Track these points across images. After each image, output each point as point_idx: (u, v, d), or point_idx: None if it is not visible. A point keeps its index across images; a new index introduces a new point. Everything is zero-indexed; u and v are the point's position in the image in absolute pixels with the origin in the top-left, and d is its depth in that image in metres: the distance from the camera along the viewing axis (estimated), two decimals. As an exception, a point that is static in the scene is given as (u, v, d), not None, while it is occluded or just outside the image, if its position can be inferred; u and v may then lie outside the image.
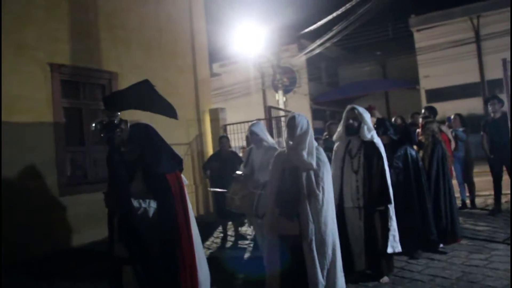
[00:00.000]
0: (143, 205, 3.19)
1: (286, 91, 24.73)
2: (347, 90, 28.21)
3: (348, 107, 5.13)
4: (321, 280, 3.72)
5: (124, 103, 3.46)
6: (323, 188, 3.82)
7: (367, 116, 4.94)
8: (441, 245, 5.92)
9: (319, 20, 17.99)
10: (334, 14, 16.09)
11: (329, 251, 3.80)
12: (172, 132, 10.40)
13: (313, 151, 3.87)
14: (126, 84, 9.08)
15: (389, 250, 4.78)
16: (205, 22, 12.22)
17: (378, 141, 4.92)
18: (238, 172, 5.76)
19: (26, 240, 7.25)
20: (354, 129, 4.94)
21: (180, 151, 10.59)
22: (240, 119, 12.75)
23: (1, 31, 7.31)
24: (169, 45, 10.71)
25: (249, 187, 5.40)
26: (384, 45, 26.13)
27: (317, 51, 20.20)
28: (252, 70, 28.25)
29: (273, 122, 10.68)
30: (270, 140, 5.86)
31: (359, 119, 4.93)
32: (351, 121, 4.97)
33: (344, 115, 5.10)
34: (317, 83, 28.88)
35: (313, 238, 3.73)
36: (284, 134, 4.24)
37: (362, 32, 21.64)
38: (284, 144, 4.10)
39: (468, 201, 8.69)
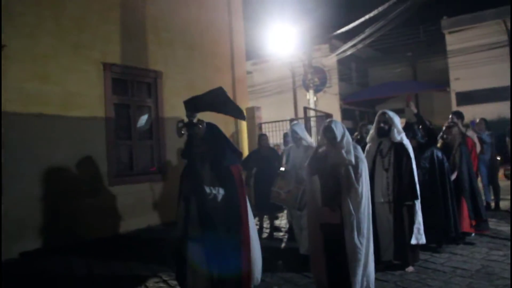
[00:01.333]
0: (213, 191, 3.78)
1: (316, 91, 25.07)
2: (377, 91, 28.42)
3: (380, 111, 5.62)
4: (361, 263, 4.27)
5: (201, 106, 4.07)
6: (362, 182, 4.34)
7: (397, 119, 5.43)
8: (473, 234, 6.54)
9: (351, 21, 18.39)
10: (367, 16, 16.41)
11: (365, 241, 4.34)
12: (210, 129, 11.06)
13: (350, 149, 4.39)
14: (170, 82, 9.95)
15: (413, 241, 5.29)
16: (243, 24, 12.79)
17: (407, 142, 5.42)
18: (282, 169, 6.31)
19: (77, 226, 8.01)
20: (385, 131, 5.45)
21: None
22: (271, 117, 13.31)
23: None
24: (209, 45, 11.33)
25: (293, 182, 5.96)
26: (415, 47, 26.26)
27: (349, 52, 20.55)
28: (284, 69, 28.67)
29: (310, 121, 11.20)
30: (309, 139, 6.39)
31: (390, 123, 5.42)
32: (382, 124, 5.47)
33: (376, 118, 5.59)
34: (347, 83, 29.15)
35: (354, 227, 4.26)
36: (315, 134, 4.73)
37: (393, 34, 21.82)
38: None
39: (492, 203, 9.04)
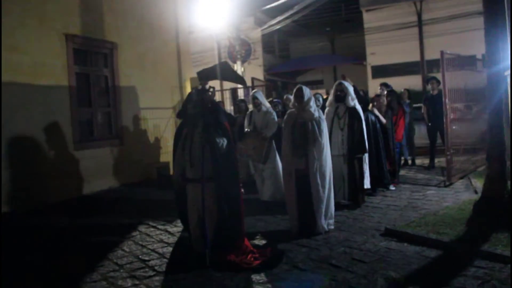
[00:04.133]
0: (221, 141, 4.81)
1: (242, 62, 26.13)
2: (298, 63, 30.14)
3: (336, 82, 6.99)
4: (325, 201, 5.52)
5: (211, 75, 5.04)
6: (323, 136, 5.55)
7: (350, 89, 6.76)
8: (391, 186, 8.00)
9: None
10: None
11: (327, 183, 5.58)
12: (160, 97, 11.95)
13: (315, 110, 5.61)
14: (124, 53, 10.57)
15: (365, 185, 6.78)
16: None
17: (358, 107, 6.80)
18: (246, 129, 7.44)
19: (45, 188, 8.56)
20: (341, 98, 6.78)
21: (165, 114, 12.11)
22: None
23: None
24: (156, 19, 11.96)
25: (258, 140, 7.11)
26: (334, 22, 28.11)
27: (276, 27, 21.78)
28: (208, 42, 29.31)
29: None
30: (267, 104, 7.57)
31: (345, 91, 6.73)
32: (339, 92, 6.79)
33: (333, 87, 6.92)
34: (270, 55, 30.48)
35: (317, 171, 5.48)
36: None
37: (316, 10, 23.25)
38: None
39: (409, 160, 10.79)
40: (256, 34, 27.32)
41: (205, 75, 5.19)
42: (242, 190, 5.65)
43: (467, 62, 9.43)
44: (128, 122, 10.80)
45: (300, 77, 31.88)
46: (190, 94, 5.32)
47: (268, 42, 29.54)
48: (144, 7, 11.51)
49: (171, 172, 11.80)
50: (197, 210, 4.95)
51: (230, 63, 25.03)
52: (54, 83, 8.97)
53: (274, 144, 7.37)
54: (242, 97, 13.75)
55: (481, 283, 3.71)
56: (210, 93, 5.04)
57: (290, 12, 19.32)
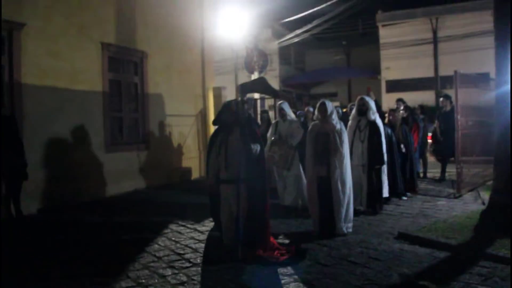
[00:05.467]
0: (254, 146, 5.37)
1: (259, 72, 26.72)
2: (313, 75, 30.69)
3: (358, 97, 7.57)
4: (344, 206, 6.05)
5: (250, 89, 5.63)
6: (344, 146, 6.09)
7: (372, 103, 7.32)
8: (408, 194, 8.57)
9: (295, 7, 20.15)
10: (316, 9, 18.25)
11: (347, 189, 6.11)
12: (184, 105, 12.56)
13: (338, 122, 6.17)
14: (152, 61, 11.20)
15: (385, 194, 7.37)
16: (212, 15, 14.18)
17: (379, 121, 7.39)
18: (273, 138, 8.00)
19: (79, 188, 9.17)
20: (363, 112, 7.34)
21: (189, 121, 12.72)
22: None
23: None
24: (184, 30, 12.60)
25: (284, 148, 7.66)
26: (350, 36, 28.66)
27: (294, 40, 22.42)
28: (224, 51, 29.99)
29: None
30: (292, 115, 8.15)
31: (367, 106, 7.28)
32: (361, 106, 7.37)
33: (356, 102, 7.52)
34: (286, 66, 31.05)
35: (338, 179, 6.02)
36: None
37: (333, 24, 23.82)
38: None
39: (421, 173, 11.27)
40: (273, 45, 27.94)
41: (246, 88, 5.77)
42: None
43: (480, 80, 9.93)
44: (154, 127, 11.41)
45: (314, 89, 32.42)
46: (227, 104, 5.88)
47: (284, 53, 30.12)
48: (174, 19, 12.16)
49: (193, 177, 12.45)
50: (229, 207, 5.50)
51: (247, 73, 25.79)
52: (90, 88, 9.63)
53: (297, 152, 7.93)
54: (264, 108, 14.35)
55: (484, 279, 4.21)
56: (247, 104, 5.61)
57: (309, 26, 19.94)
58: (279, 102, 8.37)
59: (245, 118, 5.58)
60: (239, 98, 5.57)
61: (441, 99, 10.72)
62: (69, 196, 8.90)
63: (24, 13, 8.22)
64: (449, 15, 23.10)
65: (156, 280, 4.62)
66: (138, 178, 10.80)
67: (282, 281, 4.48)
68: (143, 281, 4.61)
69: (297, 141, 7.78)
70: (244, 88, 5.76)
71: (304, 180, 7.50)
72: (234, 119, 5.60)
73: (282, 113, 8.01)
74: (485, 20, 18.97)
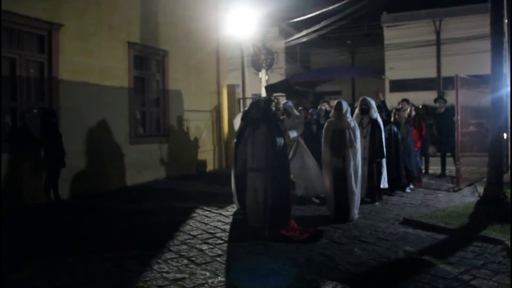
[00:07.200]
0: (279, 140, 6.14)
1: (266, 70, 27.40)
2: (318, 74, 31.39)
3: (360, 97, 8.34)
4: (357, 194, 6.82)
5: (276, 89, 6.41)
6: (357, 141, 6.87)
7: (373, 103, 8.08)
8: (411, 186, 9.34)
9: (303, 7, 20.76)
10: (324, 10, 18.93)
11: (358, 179, 6.89)
12: (200, 101, 13.31)
13: (352, 120, 6.96)
14: (173, 60, 11.96)
15: (382, 185, 8.03)
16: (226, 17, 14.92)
17: (379, 119, 8.12)
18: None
19: (105, 176, 9.92)
20: (365, 110, 8.12)
21: (205, 116, 13.48)
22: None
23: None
24: (201, 31, 13.33)
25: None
26: (355, 36, 29.37)
27: (302, 40, 23.11)
28: (235, 49, 30.64)
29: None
30: (296, 112, 9.16)
31: (369, 105, 8.04)
32: (363, 106, 8.11)
33: (358, 102, 8.30)
34: (292, 65, 31.76)
35: (352, 170, 6.79)
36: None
37: (340, 25, 24.50)
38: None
39: (423, 169, 12.03)
40: (280, 44, 28.62)
41: (272, 88, 6.54)
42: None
43: (481, 83, 10.71)
44: (174, 122, 12.18)
45: (319, 87, 33.11)
46: (255, 102, 6.64)
47: (290, 52, 30.81)
48: (192, 20, 12.91)
49: (208, 169, 13.21)
50: (254, 192, 6.28)
51: (254, 71, 26.52)
52: (117, 84, 10.38)
53: (303, 144, 8.72)
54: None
55: (476, 255, 5.01)
56: (275, 103, 6.37)
57: (317, 26, 20.63)
58: (283, 102, 9.28)
59: (271, 114, 6.34)
60: (267, 97, 6.34)
61: (437, 101, 11.56)
62: (96, 183, 9.61)
63: (62, 15, 8.97)
64: (452, 18, 23.88)
65: (196, 253, 5.39)
66: (158, 169, 11.57)
67: (305, 255, 5.25)
68: (185, 254, 5.37)
69: (297, 134, 8.60)
70: (270, 89, 6.53)
71: (313, 172, 8.32)
72: (261, 115, 6.38)
73: (287, 111, 8.91)
74: (488, 23, 19.65)
